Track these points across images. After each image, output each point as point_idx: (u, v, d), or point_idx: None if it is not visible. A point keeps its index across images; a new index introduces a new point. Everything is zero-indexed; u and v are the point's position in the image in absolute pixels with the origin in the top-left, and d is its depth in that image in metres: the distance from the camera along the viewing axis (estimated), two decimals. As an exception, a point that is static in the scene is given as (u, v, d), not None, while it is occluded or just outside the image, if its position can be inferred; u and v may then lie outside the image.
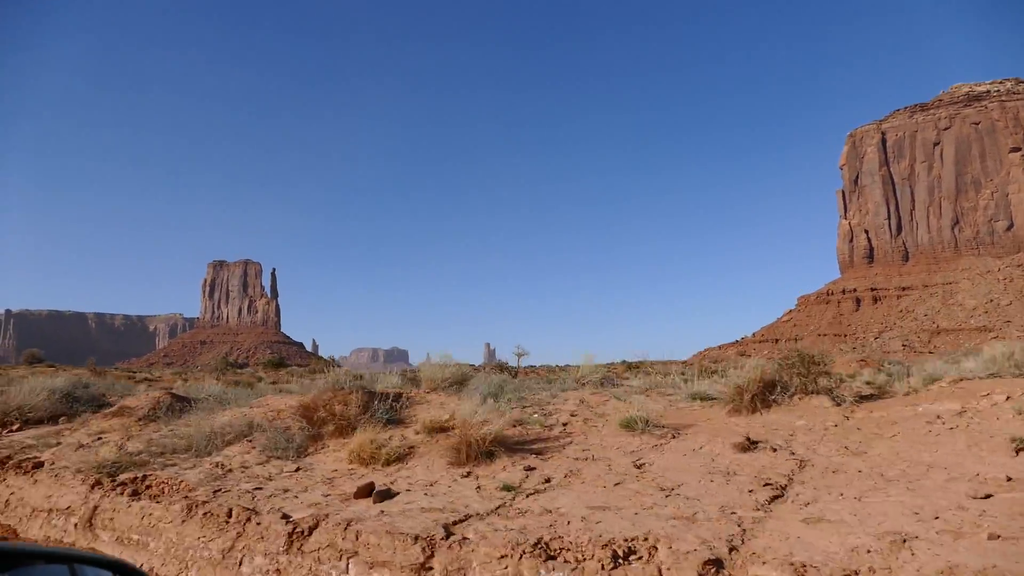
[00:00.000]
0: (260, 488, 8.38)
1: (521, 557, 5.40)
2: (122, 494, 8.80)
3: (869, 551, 4.85)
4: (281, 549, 6.59)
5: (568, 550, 5.44)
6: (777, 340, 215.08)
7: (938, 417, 8.66)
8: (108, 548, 8.13)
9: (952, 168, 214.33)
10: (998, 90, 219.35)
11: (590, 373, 12.73)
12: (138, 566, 4.17)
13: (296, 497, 7.95)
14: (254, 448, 9.89)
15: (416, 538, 5.97)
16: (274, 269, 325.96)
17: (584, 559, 5.29)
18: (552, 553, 5.43)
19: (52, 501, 9.49)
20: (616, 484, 7.02)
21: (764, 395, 9.59)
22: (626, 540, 5.43)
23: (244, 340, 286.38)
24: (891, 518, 5.49)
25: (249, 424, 10.48)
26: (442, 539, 5.94)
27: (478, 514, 6.62)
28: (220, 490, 8.35)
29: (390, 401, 10.66)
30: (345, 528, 6.52)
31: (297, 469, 9.09)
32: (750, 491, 6.55)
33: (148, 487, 8.87)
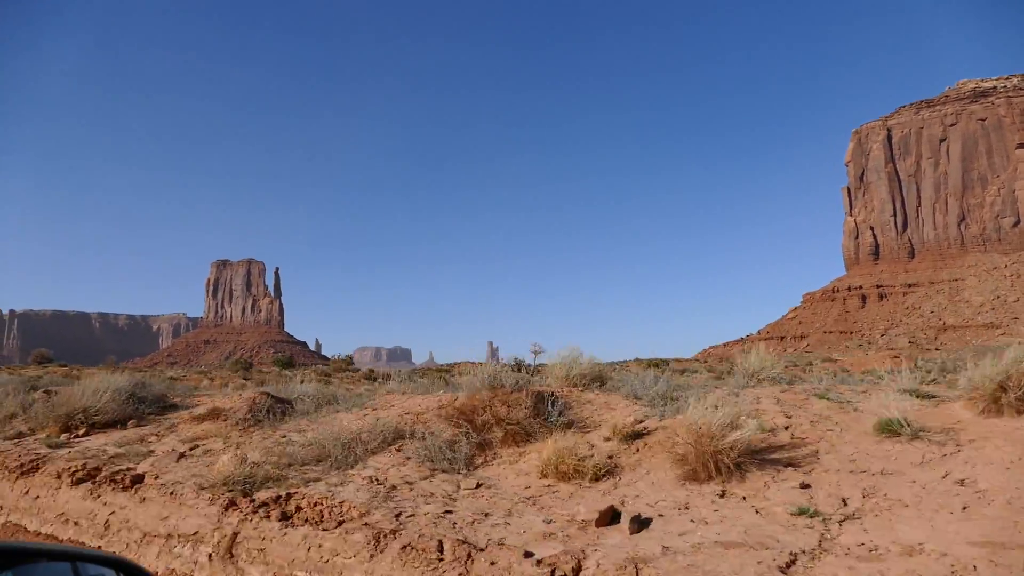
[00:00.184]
0: (450, 511, 6.72)
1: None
2: (267, 517, 7.14)
3: None
4: (543, 599, 4.95)
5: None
6: (783, 337, 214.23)
7: None
8: (270, 588, 6.49)
9: (958, 164, 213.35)
10: (1005, 86, 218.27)
11: (768, 367, 11.07)
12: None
13: (507, 524, 6.30)
14: (409, 459, 8.22)
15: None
16: (277, 268, 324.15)
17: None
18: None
19: (171, 524, 7.82)
20: (963, 508, 5.38)
21: None
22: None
23: (248, 339, 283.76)
24: None
25: (395, 430, 8.80)
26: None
27: (803, 551, 4.99)
28: (402, 514, 6.69)
29: (558, 403, 8.99)
30: (636, 572, 4.87)
31: (478, 486, 7.43)
32: None
33: (299, 509, 7.21)
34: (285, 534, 6.81)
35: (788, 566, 4.77)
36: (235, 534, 7.14)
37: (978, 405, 8.19)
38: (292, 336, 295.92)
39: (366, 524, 6.45)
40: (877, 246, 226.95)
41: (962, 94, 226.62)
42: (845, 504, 5.88)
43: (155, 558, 7.68)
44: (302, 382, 15.42)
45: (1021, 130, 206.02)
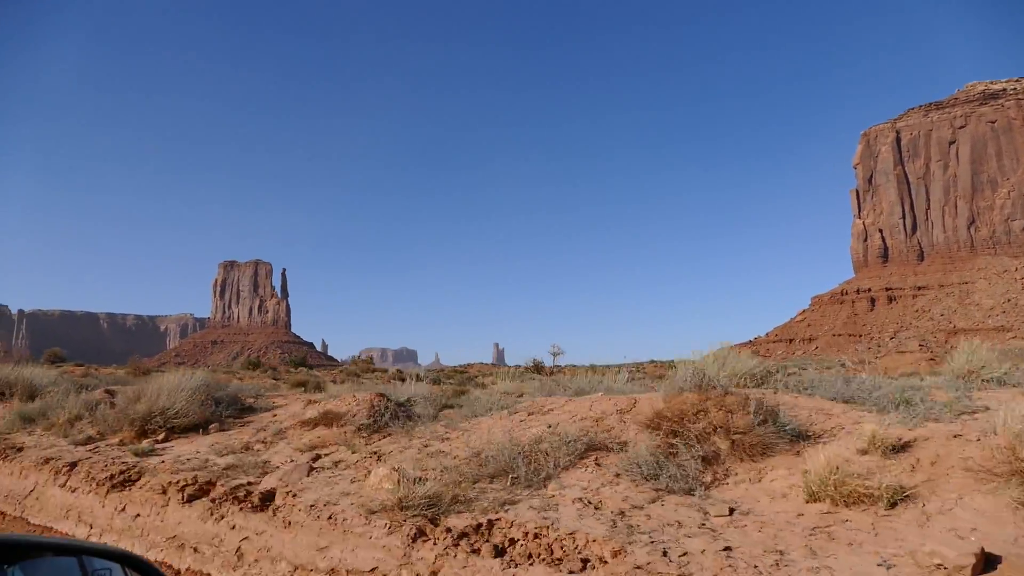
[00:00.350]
0: (728, 548, 5.20)
1: None
2: (475, 552, 5.63)
3: None
4: None
5: None
6: (791, 340, 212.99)
7: None
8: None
9: (968, 167, 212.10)
10: (1015, 88, 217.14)
11: (991, 365, 9.54)
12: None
13: (827, 568, 4.79)
14: (619, 476, 6.70)
15: None
16: (284, 269, 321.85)
17: None
18: None
19: (333, 557, 6.31)
20: None
21: None
22: None
23: (255, 340, 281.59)
24: None
25: (584, 440, 7.28)
26: None
27: None
28: (668, 551, 5.18)
29: (763, 407, 7.46)
30: None
31: (731, 512, 5.91)
32: None
33: (512, 541, 5.70)
34: (509, 577, 5.30)
35: None
36: (433, 573, 5.63)
37: None
38: (299, 337, 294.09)
39: (637, 567, 4.93)
40: (886, 249, 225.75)
41: (972, 96, 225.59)
42: None
43: (319, 600, 6.17)
44: (405, 380, 13.88)
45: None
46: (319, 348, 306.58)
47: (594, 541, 5.43)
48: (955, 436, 6.54)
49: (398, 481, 7.00)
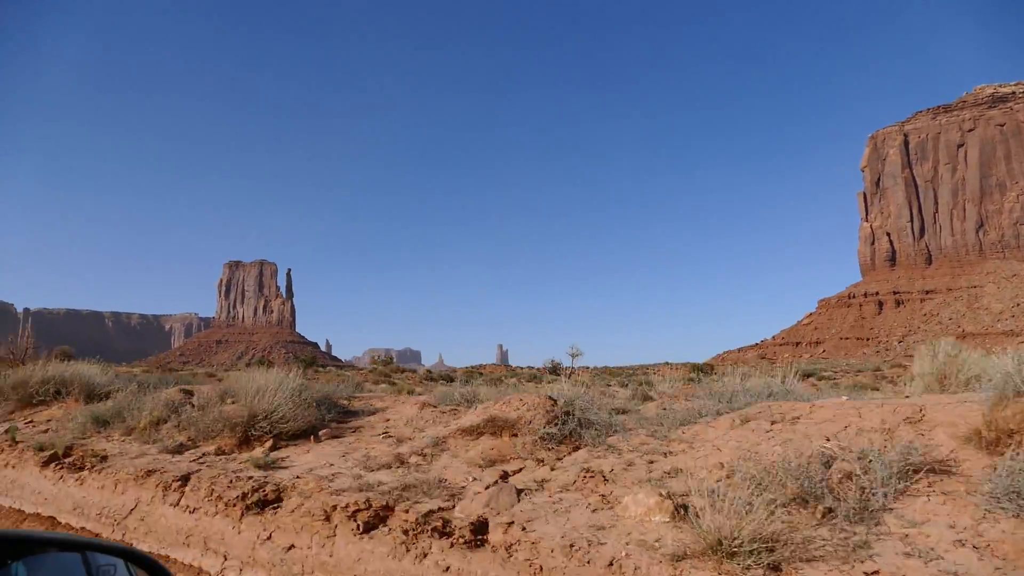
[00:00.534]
0: None
1: None
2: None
3: None
4: None
5: None
6: (798, 343, 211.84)
7: None
8: None
9: (976, 170, 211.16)
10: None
11: None
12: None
13: None
14: (984, 509, 5.00)
15: None
16: (289, 269, 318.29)
17: None
18: None
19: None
20: None
21: None
22: None
23: (259, 340, 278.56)
24: None
25: (909, 460, 5.58)
26: None
27: None
28: None
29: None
30: None
31: None
32: None
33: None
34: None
35: None
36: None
37: None
38: (304, 337, 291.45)
39: None
40: (894, 252, 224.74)
41: (980, 99, 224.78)
42: None
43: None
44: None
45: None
46: (323, 348, 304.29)
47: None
48: None
49: (673, 513, 5.30)
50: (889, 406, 6.70)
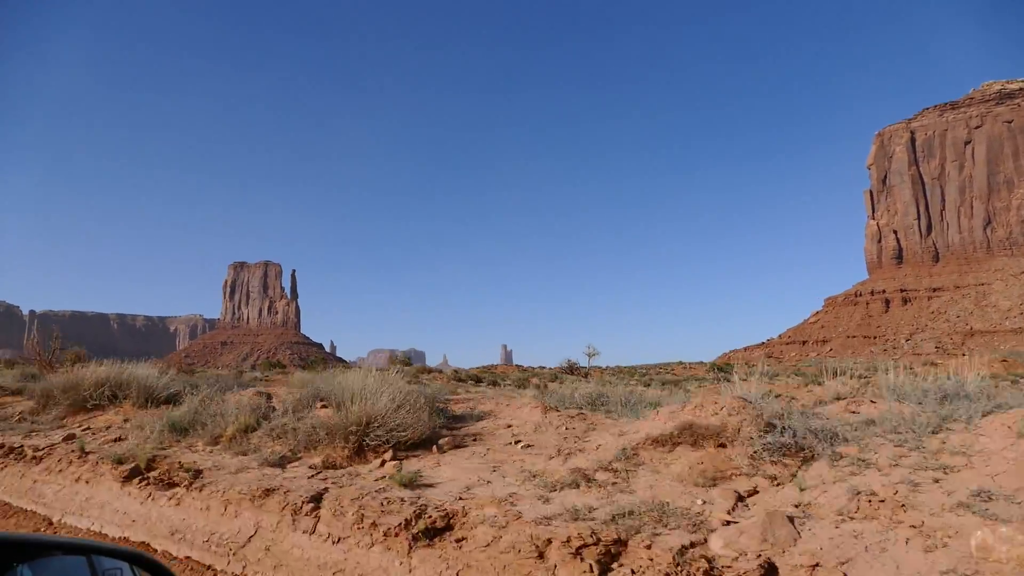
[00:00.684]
0: None
1: None
2: None
3: None
4: None
5: None
6: (804, 342, 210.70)
7: None
8: None
9: (984, 167, 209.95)
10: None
11: None
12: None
13: None
14: None
15: None
16: (294, 270, 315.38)
17: None
18: None
19: None
20: None
21: None
22: None
23: (264, 341, 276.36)
24: None
25: None
26: None
27: None
28: None
29: None
30: None
31: None
32: None
33: None
34: None
35: None
36: None
37: None
38: (308, 338, 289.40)
39: None
40: (900, 250, 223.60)
41: (987, 96, 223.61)
42: None
43: None
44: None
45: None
46: (327, 349, 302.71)
47: None
48: None
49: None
50: None
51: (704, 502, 5.76)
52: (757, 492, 5.84)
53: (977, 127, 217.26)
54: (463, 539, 5.74)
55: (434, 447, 8.90)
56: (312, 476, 7.91)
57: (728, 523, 5.22)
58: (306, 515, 6.83)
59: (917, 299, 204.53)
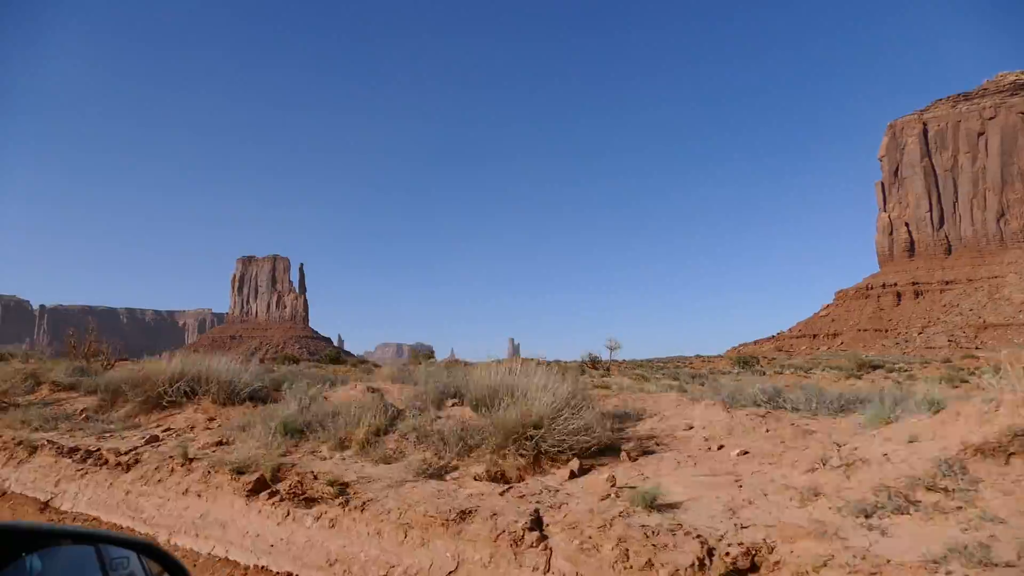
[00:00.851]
0: None
1: None
2: None
3: None
4: None
5: None
6: (815, 335, 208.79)
7: None
8: None
9: (997, 159, 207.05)
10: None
11: None
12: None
13: None
14: None
15: None
16: (302, 264, 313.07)
17: None
18: None
19: None
20: None
21: None
22: None
23: (273, 335, 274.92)
24: None
25: None
26: None
27: None
28: None
29: None
30: None
31: None
32: None
33: None
34: None
35: None
36: None
37: None
38: (317, 332, 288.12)
39: None
40: (912, 242, 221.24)
41: (1001, 86, 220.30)
42: None
43: None
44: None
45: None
46: (335, 343, 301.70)
47: None
48: None
49: None
50: None
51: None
52: None
53: (991, 118, 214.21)
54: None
55: (622, 454, 7.33)
56: (503, 492, 6.35)
57: None
58: (531, 546, 5.27)
59: (929, 292, 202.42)
